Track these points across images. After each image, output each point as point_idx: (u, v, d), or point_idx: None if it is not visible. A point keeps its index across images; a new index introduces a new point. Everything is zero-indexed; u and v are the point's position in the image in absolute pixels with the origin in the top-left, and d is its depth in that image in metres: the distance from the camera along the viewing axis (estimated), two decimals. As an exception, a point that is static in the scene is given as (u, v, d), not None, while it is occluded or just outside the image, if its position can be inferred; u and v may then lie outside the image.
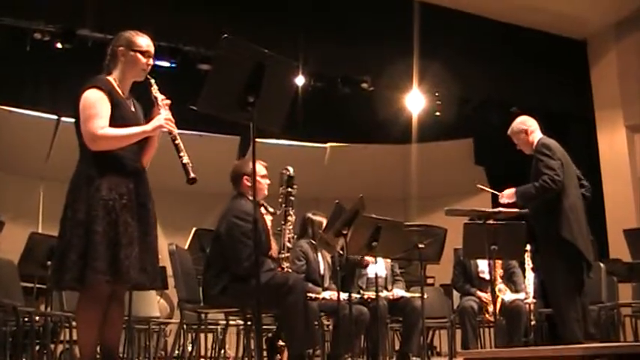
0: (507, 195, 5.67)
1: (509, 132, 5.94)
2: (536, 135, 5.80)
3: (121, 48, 3.88)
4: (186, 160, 3.78)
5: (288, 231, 5.07)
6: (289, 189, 5.10)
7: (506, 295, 6.60)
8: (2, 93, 9.38)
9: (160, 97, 3.92)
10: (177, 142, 3.81)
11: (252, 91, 3.70)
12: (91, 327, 3.69)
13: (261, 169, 5.01)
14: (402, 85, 10.57)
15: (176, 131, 3.83)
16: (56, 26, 8.60)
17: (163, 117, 3.82)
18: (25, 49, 8.62)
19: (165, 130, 3.81)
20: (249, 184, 5.02)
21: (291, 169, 5.13)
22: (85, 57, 8.11)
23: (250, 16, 8.77)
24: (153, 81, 3.94)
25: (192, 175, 3.77)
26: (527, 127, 5.83)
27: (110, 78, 3.86)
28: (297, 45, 8.88)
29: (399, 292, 6.57)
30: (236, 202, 5.03)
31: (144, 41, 3.92)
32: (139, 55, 3.88)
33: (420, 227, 6.63)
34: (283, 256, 5.05)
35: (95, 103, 3.71)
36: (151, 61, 3.93)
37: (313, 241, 6.29)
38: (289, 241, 5.08)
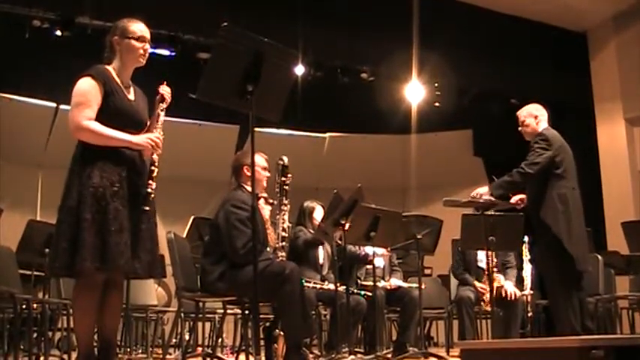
0: (483, 193, 5.68)
1: (518, 112, 5.95)
2: (542, 125, 5.82)
3: (115, 38, 3.88)
4: (151, 190, 3.79)
5: (282, 220, 5.08)
6: (283, 178, 5.10)
7: (506, 283, 6.57)
8: (1, 80, 9.37)
9: (162, 117, 3.92)
10: (153, 168, 3.82)
11: (251, 80, 3.70)
12: (86, 314, 3.70)
13: (261, 161, 5.03)
14: (401, 75, 10.58)
15: (156, 157, 3.84)
16: (55, 14, 8.59)
17: (152, 137, 3.83)
18: (24, 37, 8.60)
19: (149, 148, 3.83)
20: (248, 174, 5.02)
21: (285, 159, 5.13)
22: (84, 44, 8.10)
23: (250, 4, 8.75)
24: (163, 104, 3.94)
25: (147, 207, 3.79)
26: (538, 114, 5.85)
27: (109, 67, 3.86)
28: (297, 34, 8.86)
29: (396, 281, 6.58)
30: (234, 193, 5.04)
31: (137, 27, 3.92)
32: (134, 42, 3.88)
33: (417, 217, 6.64)
34: (279, 245, 5.06)
35: (86, 92, 3.72)
36: (146, 46, 3.93)
37: (310, 230, 6.29)
38: (284, 231, 5.09)
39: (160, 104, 3.93)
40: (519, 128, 5.90)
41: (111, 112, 3.75)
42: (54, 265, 3.63)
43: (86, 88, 3.72)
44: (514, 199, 5.86)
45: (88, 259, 3.54)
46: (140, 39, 3.89)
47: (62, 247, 3.57)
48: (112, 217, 3.63)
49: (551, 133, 5.71)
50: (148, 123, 3.94)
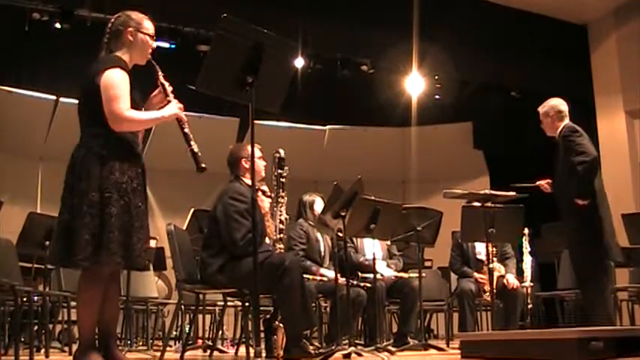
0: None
1: (540, 108, 6.00)
2: (562, 121, 5.88)
3: (130, 29, 3.84)
4: (196, 149, 3.79)
5: (280, 212, 5.09)
6: (280, 171, 5.11)
7: (507, 275, 6.56)
8: (1, 73, 9.37)
9: (167, 85, 3.91)
10: (186, 130, 3.82)
11: (251, 72, 3.69)
12: (92, 306, 3.69)
13: (256, 151, 5.02)
14: (401, 68, 10.57)
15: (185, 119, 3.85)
16: (55, 6, 8.58)
17: (178, 105, 3.85)
18: (23, 29, 8.59)
19: (180, 115, 3.84)
20: (247, 165, 5.02)
21: (281, 151, 5.15)
22: (83, 37, 8.09)
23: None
24: (158, 67, 3.93)
25: (202, 164, 3.79)
26: (557, 111, 5.91)
27: (124, 58, 3.83)
28: (297, 26, 8.85)
29: (389, 272, 6.55)
30: (232, 185, 5.05)
31: (151, 25, 3.91)
32: (148, 38, 3.87)
33: (417, 209, 6.65)
34: (277, 237, 5.07)
35: (120, 83, 3.66)
36: (154, 45, 3.93)
37: (311, 222, 6.31)
38: (282, 223, 5.10)
39: (159, 75, 3.92)
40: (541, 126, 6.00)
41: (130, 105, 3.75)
42: (74, 257, 3.56)
43: (121, 79, 3.67)
44: (540, 182, 5.91)
45: (115, 253, 3.57)
46: (152, 37, 3.90)
47: (84, 239, 3.54)
48: (135, 214, 3.67)
49: (577, 126, 5.80)
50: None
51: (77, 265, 3.62)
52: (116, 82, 3.66)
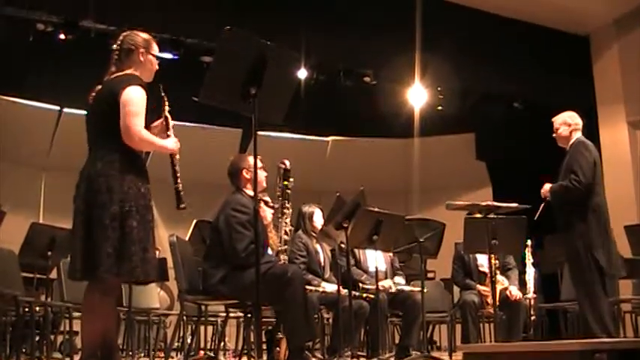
0: (544, 191, 5.82)
1: (554, 119, 6.10)
2: (576, 134, 5.98)
3: (141, 50, 3.89)
4: (181, 187, 3.87)
5: (284, 224, 5.09)
6: (285, 182, 5.12)
7: (510, 287, 6.55)
8: (5, 83, 9.39)
9: (170, 120, 3.98)
10: (177, 168, 3.92)
11: (254, 83, 3.70)
12: (101, 319, 3.70)
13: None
14: (404, 78, 10.57)
15: (178, 157, 3.95)
16: (59, 17, 8.60)
17: (177, 144, 3.93)
18: (27, 40, 8.62)
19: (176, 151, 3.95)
20: (248, 176, 5.03)
21: (287, 163, 5.16)
22: (87, 48, 8.13)
23: (253, 8, 8.75)
24: (166, 100, 3.99)
25: (183, 204, 3.87)
26: (571, 123, 6.02)
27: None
28: (300, 38, 8.87)
29: (398, 280, 6.55)
30: (234, 196, 5.05)
31: (157, 48, 3.98)
32: (155, 60, 3.93)
33: (419, 221, 6.64)
34: (281, 248, 5.07)
35: (141, 102, 3.72)
36: (156, 67, 3.99)
37: (314, 233, 6.30)
38: (286, 234, 5.10)
39: (165, 107, 3.96)
40: (553, 135, 6.04)
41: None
42: (96, 269, 3.57)
43: (142, 97, 3.73)
44: (546, 186, 5.92)
45: (138, 267, 3.61)
46: (158, 59, 3.95)
47: (107, 252, 3.56)
48: (149, 230, 3.72)
49: (588, 142, 5.90)
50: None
51: (100, 278, 3.61)
52: (135, 99, 3.71)
